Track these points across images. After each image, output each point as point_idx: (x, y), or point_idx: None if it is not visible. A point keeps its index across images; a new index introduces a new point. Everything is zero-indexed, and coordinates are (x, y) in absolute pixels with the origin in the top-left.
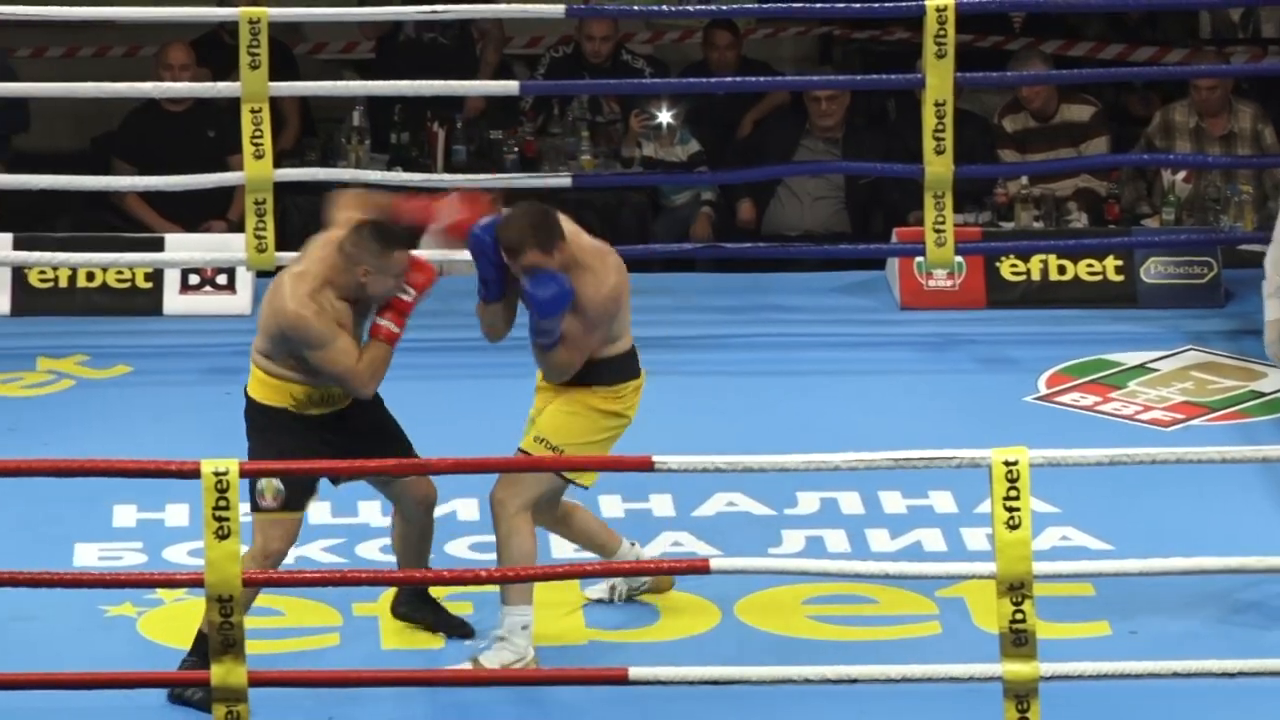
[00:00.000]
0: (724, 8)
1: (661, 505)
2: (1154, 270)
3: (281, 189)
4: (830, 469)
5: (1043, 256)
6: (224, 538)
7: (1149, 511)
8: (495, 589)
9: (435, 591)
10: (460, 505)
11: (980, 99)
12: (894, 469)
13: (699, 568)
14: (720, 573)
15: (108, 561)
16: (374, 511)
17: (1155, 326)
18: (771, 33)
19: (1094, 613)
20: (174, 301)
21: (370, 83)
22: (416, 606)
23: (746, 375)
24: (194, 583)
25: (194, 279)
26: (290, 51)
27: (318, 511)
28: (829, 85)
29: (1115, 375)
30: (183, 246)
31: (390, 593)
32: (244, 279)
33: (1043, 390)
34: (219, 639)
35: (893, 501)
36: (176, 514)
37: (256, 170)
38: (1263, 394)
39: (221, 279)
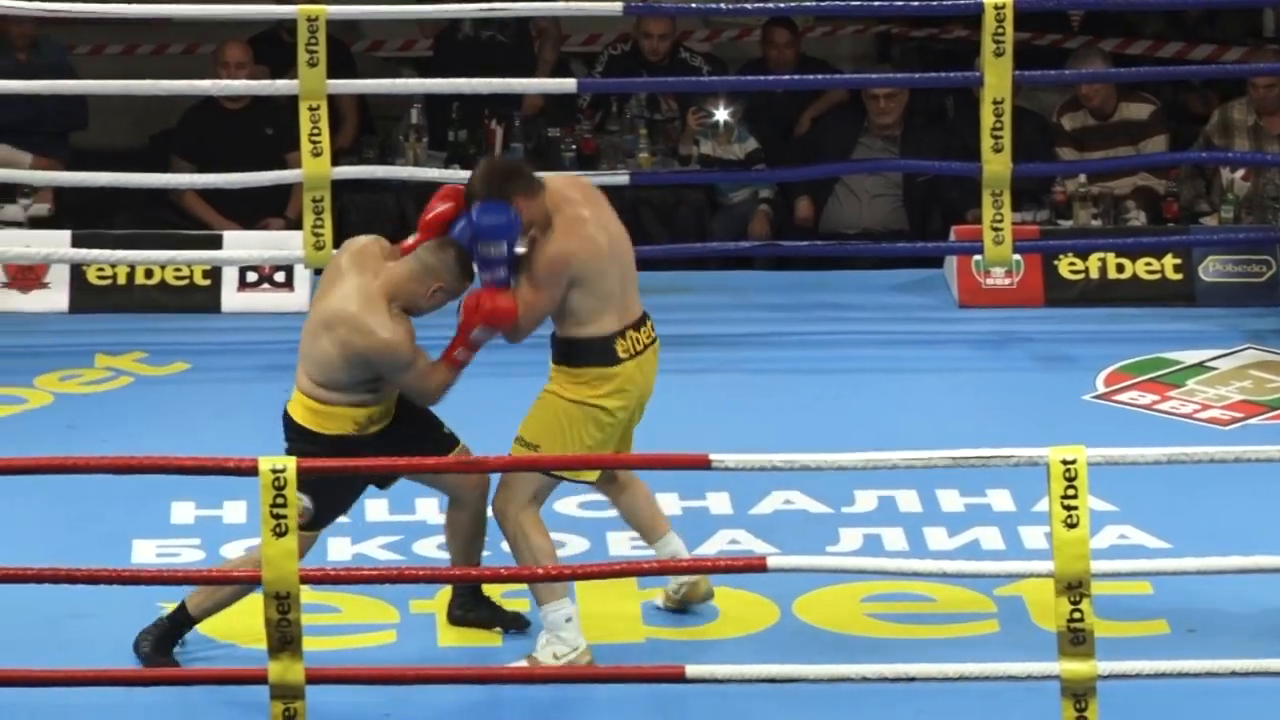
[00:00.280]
0: (782, 5)
1: (719, 503)
2: (1212, 269)
3: (339, 186)
4: (888, 467)
5: (1101, 255)
6: (281, 535)
7: (1207, 510)
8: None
9: (489, 590)
10: None
11: (1038, 97)
12: (952, 467)
13: (756, 566)
14: (777, 571)
15: (165, 558)
16: (431, 509)
17: (1213, 325)
18: (830, 30)
19: (1152, 611)
20: (232, 299)
21: (428, 80)
22: (471, 607)
23: (804, 373)
24: (252, 579)
25: (252, 276)
26: (348, 49)
27: (375, 509)
28: (887, 83)
29: (1173, 374)
30: (241, 244)
31: (447, 592)
32: (302, 276)
33: (1101, 389)
34: (276, 636)
35: (950, 500)
36: (234, 511)
37: (314, 168)
38: None
39: (279, 276)
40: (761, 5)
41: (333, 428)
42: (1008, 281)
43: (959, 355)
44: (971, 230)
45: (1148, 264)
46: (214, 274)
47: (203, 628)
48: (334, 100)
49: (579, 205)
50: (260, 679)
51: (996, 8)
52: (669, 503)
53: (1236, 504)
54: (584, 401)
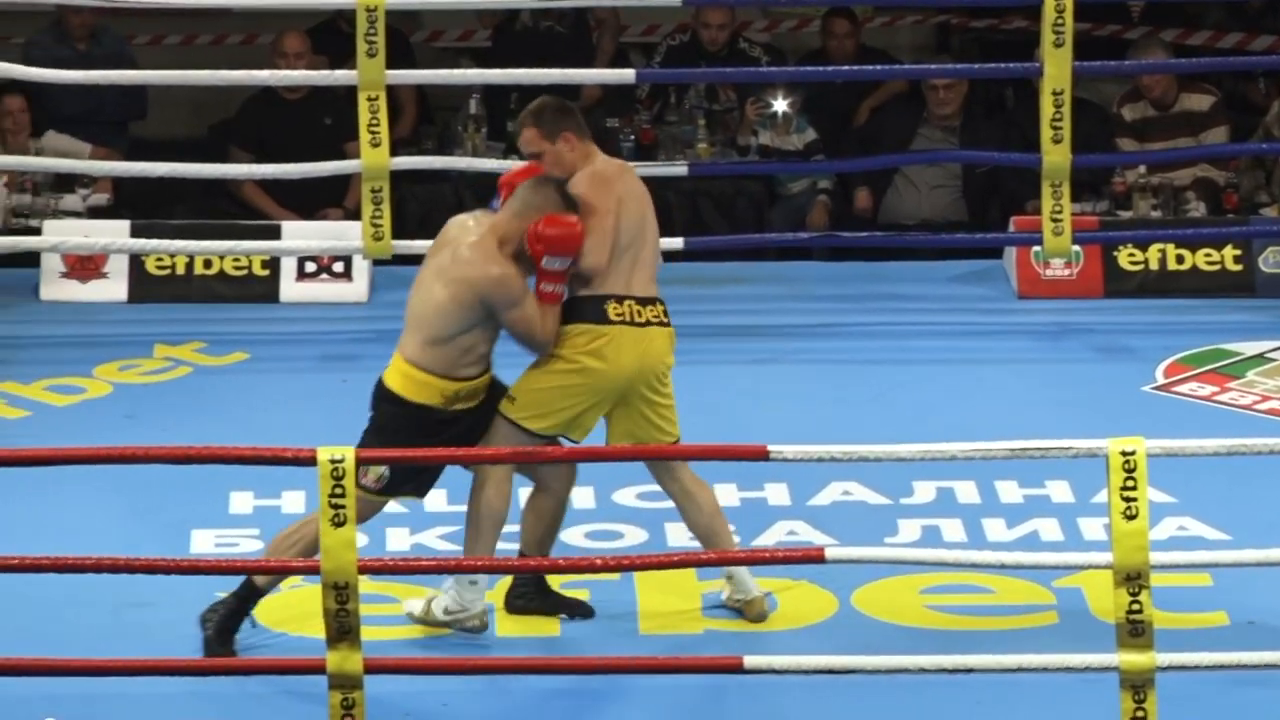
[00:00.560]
0: None
1: (777, 494)
2: (1272, 259)
3: (398, 177)
4: (946, 458)
5: (1161, 246)
6: (339, 525)
7: (1267, 501)
8: (614, 577)
9: (550, 580)
10: (576, 493)
11: (1098, 88)
12: (1010, 459)
13: (814, 557)
14: (835, 562)
15: (224, 548)
16: None
17: (1273, 316)
18: (889, 21)
19: (1211, 603)
20: (291, 289)
21: (487, 71)
22: (534, 596)
23: (863, 364)
24: (310, 569)
25: (310, 266)
26: (407, 39)
27: (434, 499)
28: (946, 74)
29: (1233, 365)
30: (299, 234)
31: (506, 582)
32: (360, 267)
33: (1160, 380)
34: (334, 626)
35: (1009, 491)
36: (293, 501)
37: (373, 158)
38: None
39: (338, 267)
40: None
41: (421, 397)
42: (1067, 272)
43: (1018, 346)
44: (1031, 221)
45: (1207, 255)
46: (272, 264)
47: (262, 618)
48: (393, 90)
49: (608, 166)
50: (319, 669)
51: None
52: (727, 494)
53: None
54: (564, 357)
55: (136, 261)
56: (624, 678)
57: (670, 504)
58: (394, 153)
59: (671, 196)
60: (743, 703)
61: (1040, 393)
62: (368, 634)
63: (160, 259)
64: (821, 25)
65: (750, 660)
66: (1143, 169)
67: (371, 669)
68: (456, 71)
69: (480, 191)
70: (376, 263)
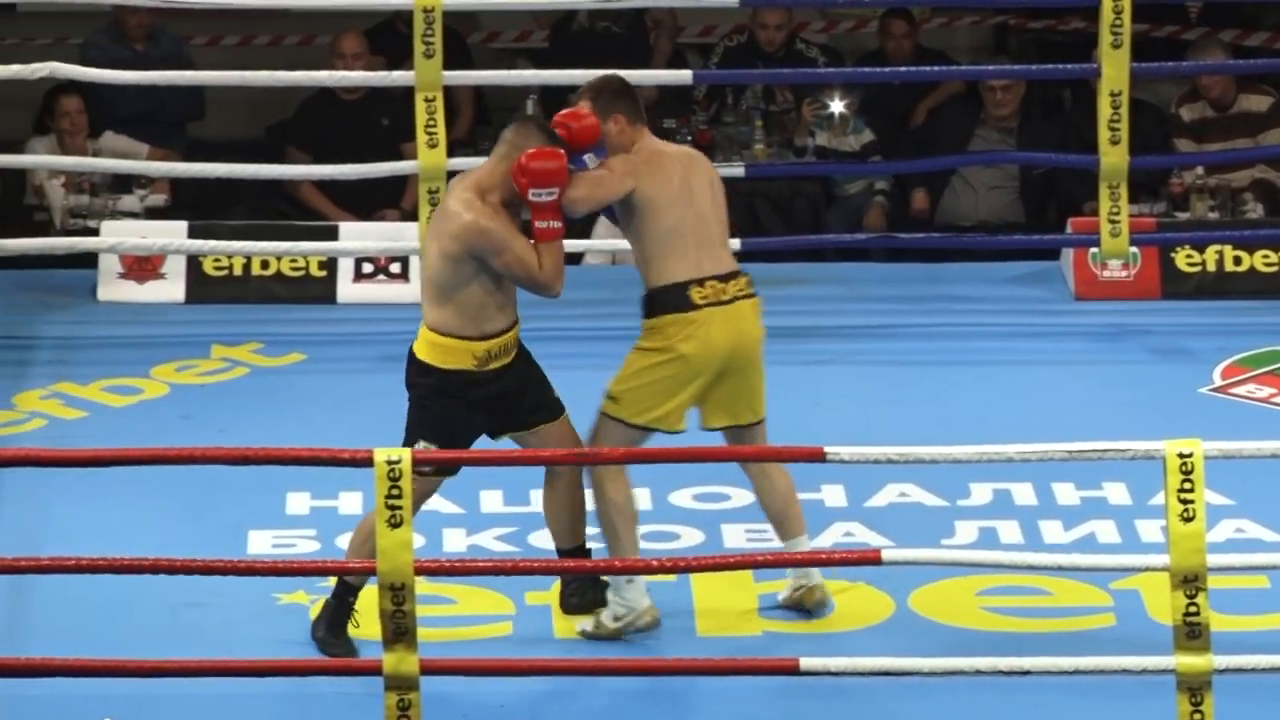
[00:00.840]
0: None
1: (833, 495)
2: None
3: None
4: (1003, 460)
5: (1218, 247)
6: (396, 526)
7: None
8: (671, 579)
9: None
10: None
11: (1156, 89)
12: (1067, 460)
13: (871, 559)
14: (892, 564)
15: (281, 549)
16: None
17: None
18: (946, 22)
19: (1269, 605)
20: (348, 290)
21: (543, 71)
22: (584, 590)
23: (920, 365)
24: (367, 571)
25: (368, 267)
26: (464, 40)
27: (490, 500)
28: (1004, 75)
29: None
30: (356, 235)
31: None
32: (417, 268)
33: (1218, 381)
34: (390, 627)
35: (1066, 493)
36: (349, 502)
37: (430, 159)
38: None
39: (395, 267)
40: None
41: (453, 362)
42: (1124, 274)
43: (1075, 348)
44: (1088, 222)
45: (1265, 256)
46: (329, 265)
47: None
48: (450, 91)
49: (665, 148)
50: (375, 670)
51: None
52: None
53: None
54: (659, 348)
55: (194, 262)
56: (680, 679)
57: (727, 505)
58: (451, 153)
59: (728, 197)
60: (799, 704)
61: (1097, 394)
62: (424, 635)
63: (218, 260)
64: (879, 26)
65: (806, 662)
66: (1200, 170)
67: (428, 670)
68: (513, 73)
69: None
70: None
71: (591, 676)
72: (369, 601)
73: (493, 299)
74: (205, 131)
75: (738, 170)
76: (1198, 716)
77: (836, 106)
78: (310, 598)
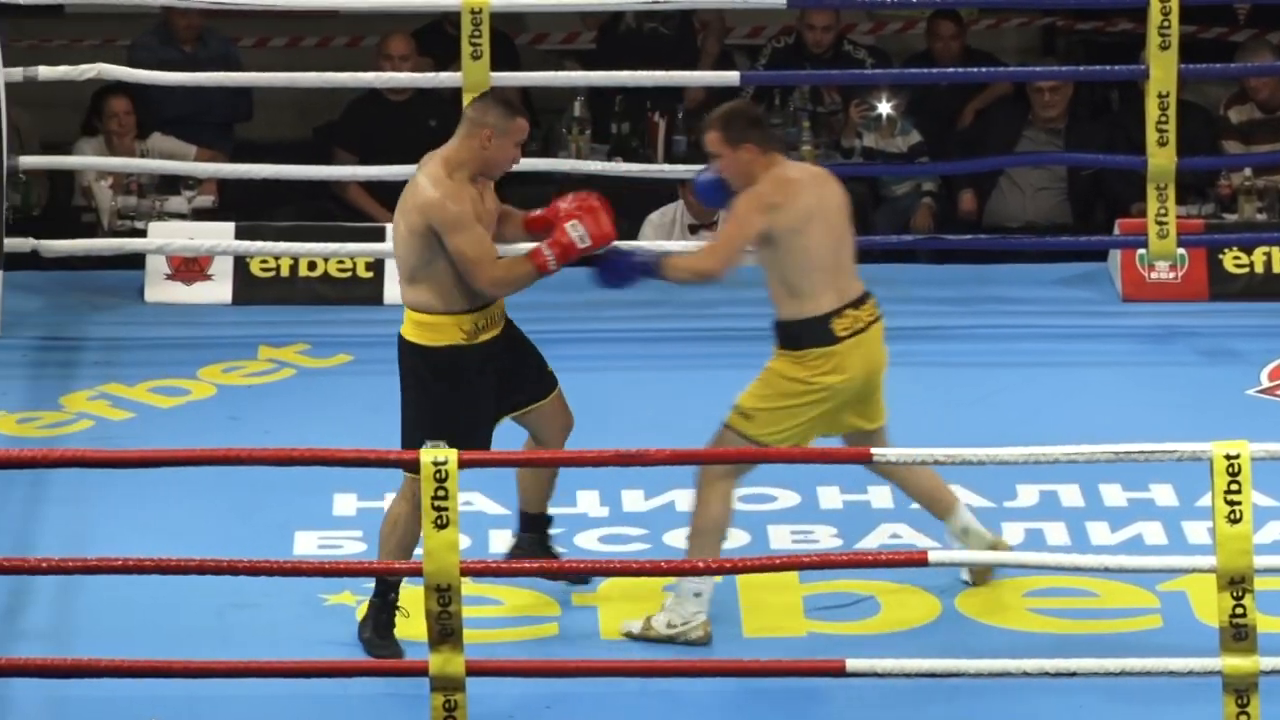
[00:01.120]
0: None
1: (879, 497)
2: None
3: (501, 179)
4: (1050, 462)
5: (1266, 249)
6: (442, 527)
7: None
8: (716, 579)
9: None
10: (678, 496)
11: (1204, 90)
12: (1114, 462)
13: (918, 560)
14: (939, 565)
15: (327, 550)
16: (593, 501)
17: None
18: (994, 23)
19: None
20: (394, 291)
21: (591, 73)
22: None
23: (967, 366)
24: (412, 572)
25: None
26: (512, 42)
27: None
28: (1052, 76)
29: None
30: None
31: (610, 585)
32: None
33: (1265, 383)
34: (436, 628)
35: (1113, 494)
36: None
37: None
38: None
39: None
40: None
41: (442, 338)
42: (1172, 275)
43: (1122, 350)
44: (1136, 224)
45: None
46: (376, 266)
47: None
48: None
49: (793, 171)
50: (421, 671)
51: (1162, 1)
52: (830, 496)
53: None
54: (804, 380)
55: (241, 263)
56: (727, 680)
57: (773, 506)
58: None
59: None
60: (846, 705)
61: (1144, 396)
62: (470, 636)
63: (265, 261)
64: (927, 27)
65: (853, 663)
66: (1248, 171)
67: (474, 671)
68: (561, 74)
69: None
70: None
71: (637, 677)
72: (415, 601)
73: (469, 295)
74: (253, 133)
75: None
76: (1244, 718)
77: (884, 108)
78: (356, 598)
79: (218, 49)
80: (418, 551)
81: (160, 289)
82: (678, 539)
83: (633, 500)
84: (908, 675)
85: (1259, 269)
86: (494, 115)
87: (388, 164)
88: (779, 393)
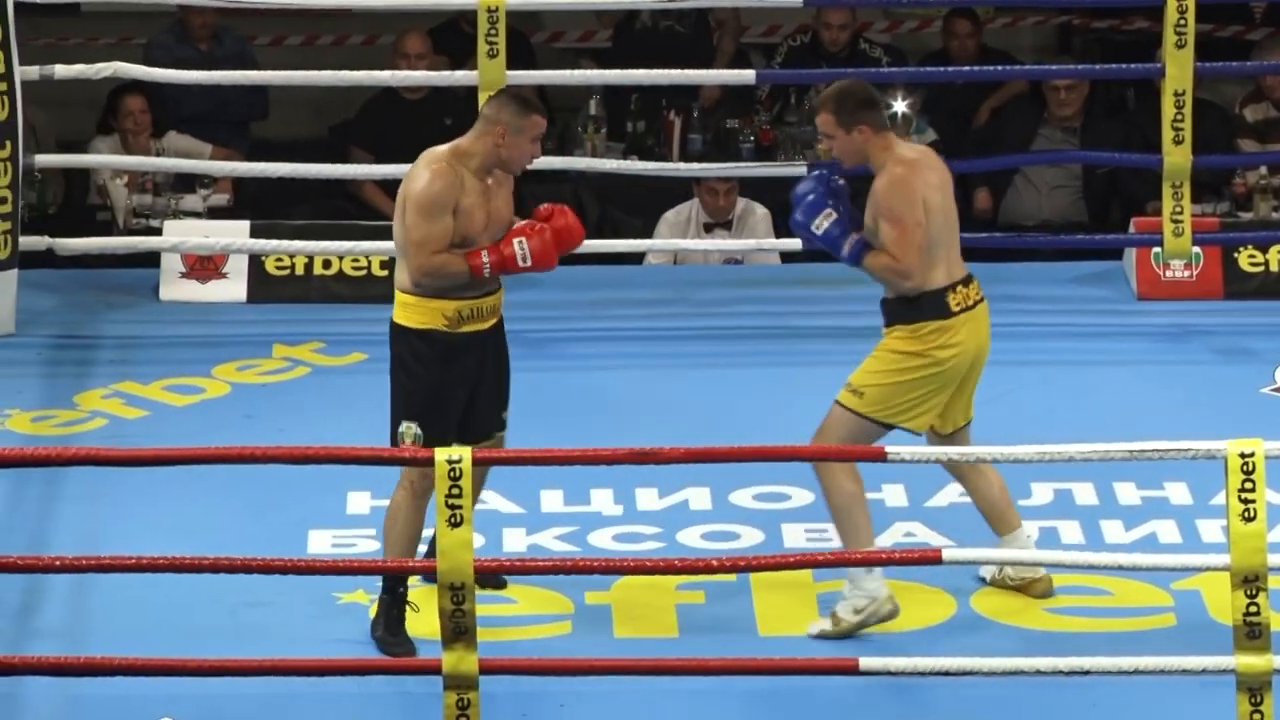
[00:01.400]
0: None
1: (894, 495)
2: None
3: (518, 177)
4: (1064, 460)
5: None
6: (456, 525)
7: None
8: (730, 578)
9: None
10: (692, 494)
11: (1219, 89)
12: (1129, 460)
13: (931, 558)
14: (953, 564)
15: (341, 549)
16: (606, 500)
17: None
18: (1010, 22)
19: None
20: None
21: (607, 71)
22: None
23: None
24: (426, 570)
25: None
26: (528, 40)
27: (550, 500)
28: (1068, 75)
29: None
30: None
31: (624, 583)
32: None
33: (1279, 382)
34: (450, 627)
35: (1127, 493)
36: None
37: None
38: None
39: None
40: None
41: (425, 321)
42: (1187, 274)
43: (1137, 348)
44: (1151, 222)
45: None
46: (391, 265)
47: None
48: None
49: (909, 150)
50: (434, 669)
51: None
52: None
53: None
54: (917, 353)
55: (256, 262)
56: (741, 679)
57: (787, 505)
58: None
59: (790, 198)
60: (860, 704)
61: (1159, 394)
62: (483, 635)
63: (280, 259)
64: (943, 26)
65: (866, 662)
66: (1264, 170)
67: (487, 670)
68: (577, 72)
69: (601, 192)
70: None
71: (651, 676)
72: (427, 598)
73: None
74: (268, 131)
75: (800, 169)
76: (1257, 717)
77: (900, 106)
78: (370, 597)
79: (233, 47)
80: (421, 547)
81: (175, 287)
82: (691, 537)
83: (647, 499)
84: (921, 674)
85: (1274, 267)
86: (508, 113)
87: (403, 162)
88: (892, 368)
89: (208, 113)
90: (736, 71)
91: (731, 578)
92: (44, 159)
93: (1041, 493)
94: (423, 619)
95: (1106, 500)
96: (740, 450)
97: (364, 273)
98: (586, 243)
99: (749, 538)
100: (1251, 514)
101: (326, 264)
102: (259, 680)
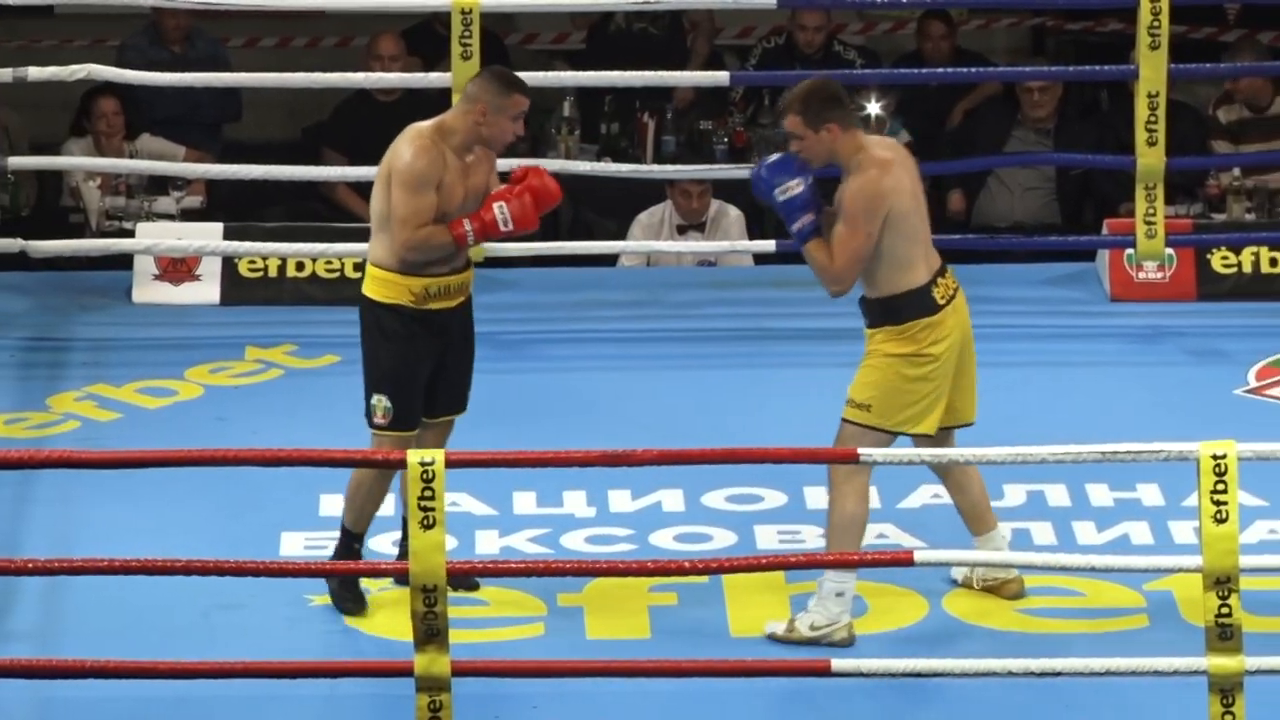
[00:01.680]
0: None
1: None
2: None
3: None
4: (1037, 461)
5: (1254, 249)
6: (429, 528)
7: None
8: (703, 580)
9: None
10: (665, 496)
11: (1193, 90)
12: (1101, 462)
13: (903, 560)
14: (924, 565)
15: (314, 551)
16: (579, 501)
17: None
18: (984, 24)
19: None
20: None
21: (581, 73)
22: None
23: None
24: (399, 572)
25: None
26: (502, 42)
27: (523, 501)
28: (1041, 76)
29: None
30: None
31: (596, 585)
32: None
33: (1252, 383)
34: (422, 628)
35: (1100, 494)
36: (383, 504)
37: None
38: None
39: None
40: None
41: (391, 296)
42: (1160, 275)
43: (1110, 349)
44: (1124, 224)
45: None
46: (365, 266)
47: (351, 621)
48: None
49: (880, 149)
50: (406, 671)
51: (1152, 1)
52: (817, 496)
53: None
54: (912, 354)
55: (229, 264)
56: (713, 680)
57: (759, 507)
58: None
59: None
60: (831, 706)
61: (1131, 396)
62: (456, 636)
63: (253, 261)
64: (917, 27)
65: (838, 664)
66: (1237, 171)
67: (459, 671)
68: (551, 74)
69: (574, 194)
70: None
71: (623, 677)
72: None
73: (428, 264)
74: (241, 133)
75: None
76: (1229, 717)
77: (873, 108)
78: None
79: (207, 49)
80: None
81: (148, 289)
82: (664, 539)
83: (619, 501)
84: (893, 675)
85: (1247, 269)
86: (490, 91)
87: (376, 164)
88: (891, 374)
89: (181, 115)
90: (710, 73)
91: (704, 579)
92: (17, 161)
93: (1014, 494)
94: (395, 621)
95: (1079, 501)
96: (713, 452)
97: (337, 275)
98: (560, 245)
99: (722, 539)
100: (1223, 515)
101: (300, 266)
102: (232, 682)
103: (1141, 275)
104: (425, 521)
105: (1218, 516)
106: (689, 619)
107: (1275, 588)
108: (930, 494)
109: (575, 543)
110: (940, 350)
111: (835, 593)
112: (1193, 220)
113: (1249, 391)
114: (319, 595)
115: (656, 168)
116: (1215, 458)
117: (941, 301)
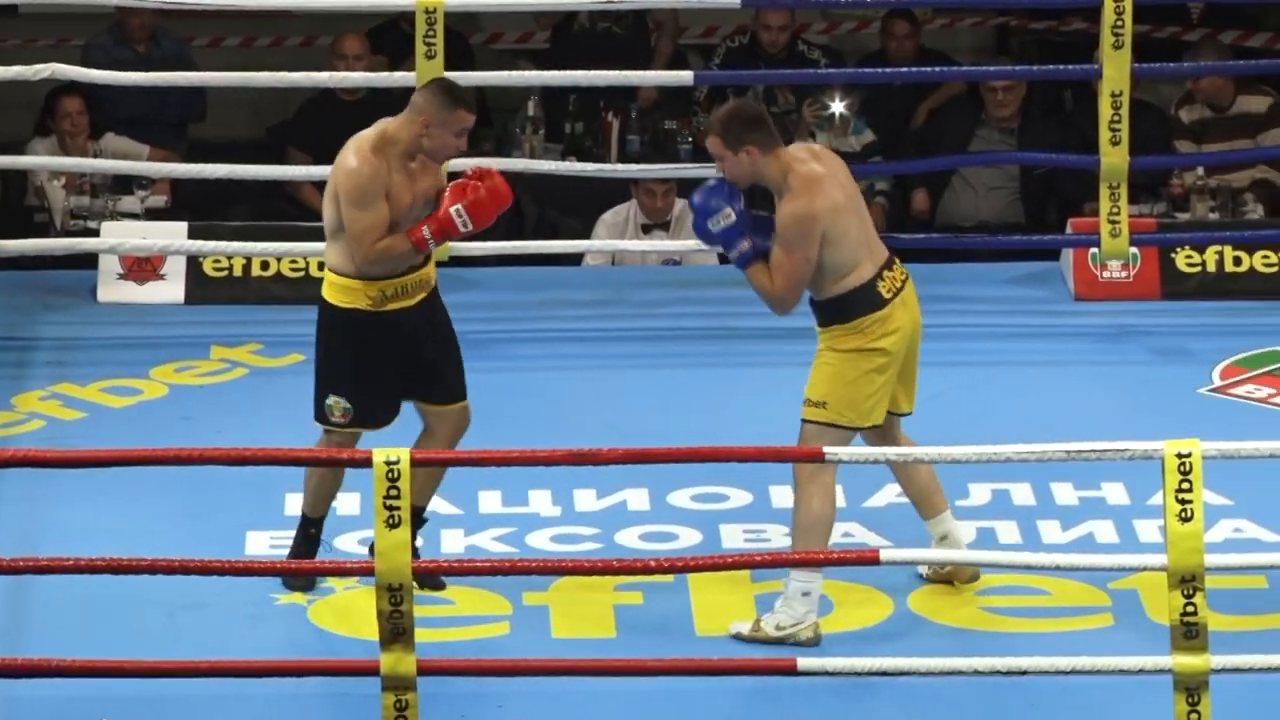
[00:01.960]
0: None
1: None
2: None
3: (454, 178)
4: (1001, 460)
5: (1218, 248)
6: (394, 526)
7: None
8: (668, 579)
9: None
10: (630, 495)
11: (1157, 90)
12: (1066, 461)
13: (869, 559)
14: (890, 564)
15: (279, 550)
16: (545, 501)
17: None
18: (948, 23)
19: (1267, 605)
20: None
21: (545, 72)
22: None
23: (919, 365)
24: (364, 571)
25: None
26: (466, 41)
27: (488, 501)
28: (1005, 76)
29: None
30: None
31: (561, 584)
32: None
33: (1217, 382)
34: (388, 628)
35: (1065, 493)
36: (347, 503)
37: None
38: None
39: None
40: None
41: (349, 301)
42: (1124, 274)
43: (1074, 348)
44: (1088, 223)
45: (1265, 257)
46: None
47: (317, 620)
48: None
49: (809, 163)
50: (372, 671)
51: (1116, 1)
52: (782, 495)
53: None
54: (861, 349)
55: (194, 263)
56: (679, 679)
57: (725, 506)
58: None
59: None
60: (797, 705)
61: (1096, 395)
62: (421, 636)
63: (218, 261)
64: (881, 27)
65: (804, 662)
66: (1200, 171)
67: (425, 670)
68: (515, 73)
69: (539, 194)
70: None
71: (589, 676)
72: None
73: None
74: (206, 132)
75: None
76: (1194, 716)
77: (837, 107)
78: (307, 598)
79: (171, 49)
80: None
81: (113, 289)
82: (630, 538)
83: (585, 500)
84: (859, 674)
85: (1211, 268)
86: (434, 105)
87: None
88: (845, 369)
89: (145, 114)
90: (674, 73)
91: (669, 578)
92: None
93: (979, 493)
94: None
95: (1044, 500)
96: (678, 451)
97: (302, 274)
98: (524, 244)
99: (687, 538)
100: (1188, 514)
101: (264, 265)
102: (197, 682)
103: (1106, 274)
104: (390, 520)
105: (1183, 515)
106: (654, 618)
107: (1240, 586)
108: (895, 492)
109: (541, 542)
110: (890, 344)
111: (801, 592)
112: (1156, 219)
113: (1213, 390)
114: (284, 594)
115: (621, 167)
116: (1180, 456)
117: (888, 295)
